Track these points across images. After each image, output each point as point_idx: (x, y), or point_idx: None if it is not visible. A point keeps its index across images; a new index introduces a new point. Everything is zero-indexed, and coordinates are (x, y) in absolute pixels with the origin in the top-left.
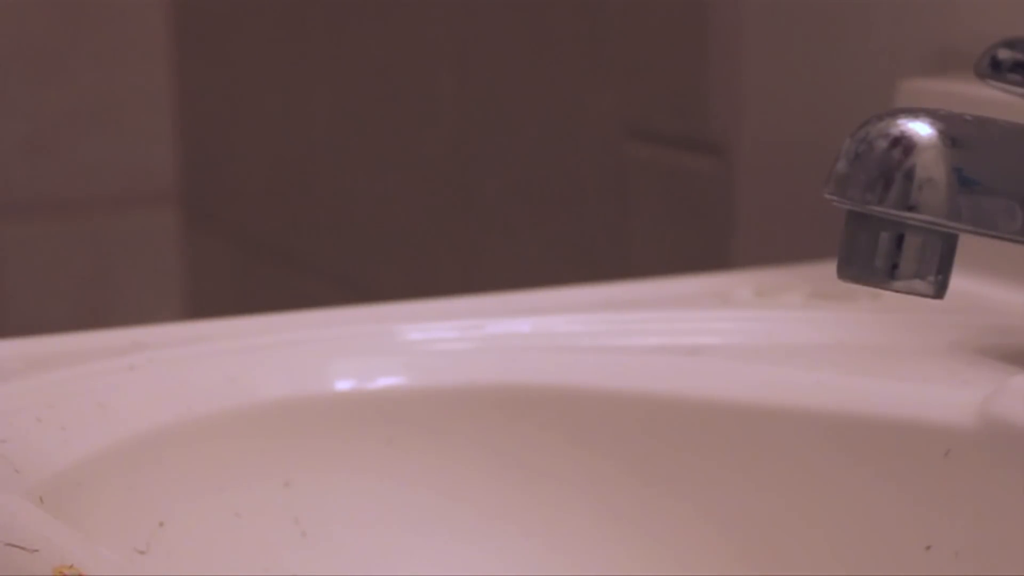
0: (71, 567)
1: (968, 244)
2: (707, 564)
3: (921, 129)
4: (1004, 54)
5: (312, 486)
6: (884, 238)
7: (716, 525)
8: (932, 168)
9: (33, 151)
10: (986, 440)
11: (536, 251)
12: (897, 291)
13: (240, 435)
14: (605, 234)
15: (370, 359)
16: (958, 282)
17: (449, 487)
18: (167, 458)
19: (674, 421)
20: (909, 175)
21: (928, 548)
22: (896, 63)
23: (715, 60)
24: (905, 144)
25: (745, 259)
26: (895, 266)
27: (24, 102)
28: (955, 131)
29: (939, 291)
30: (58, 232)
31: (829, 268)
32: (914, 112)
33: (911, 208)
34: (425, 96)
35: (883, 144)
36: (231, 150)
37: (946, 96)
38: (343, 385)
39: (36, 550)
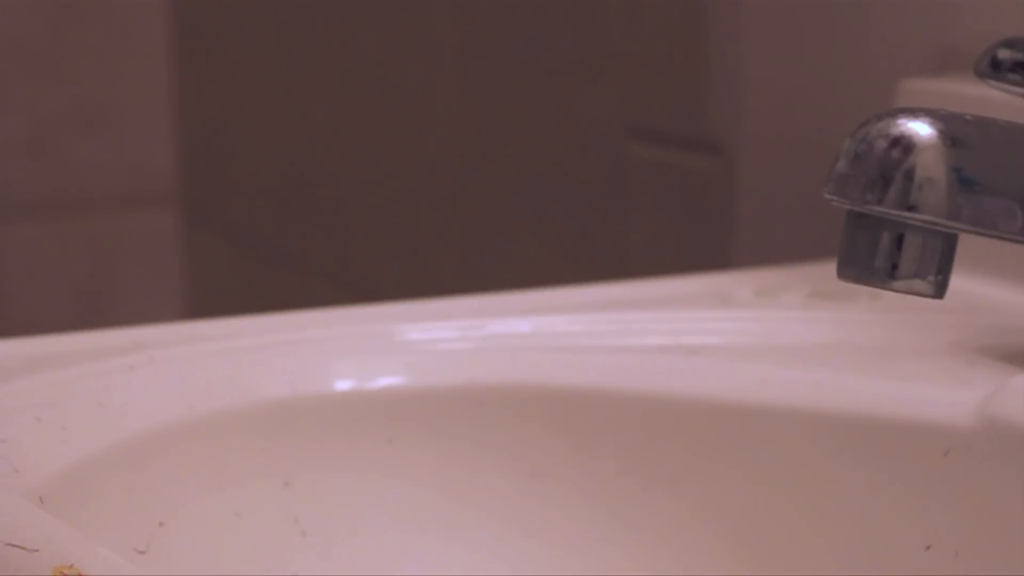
0: (71, 567)
1: (968, 244)
2: (707, 564)
3: (921, 129)
4: (1004, 54)
5: (312, 486)
6: (884, 238)
7: (716, 525)
8: (932, 168)
9: (33, 151)
10: (986, 440)
11: (536, 251)
12: (897, 291)
13: (240, 435)
14: (605, 234)
15: (370, 359)
16: (958, 282)
17: (449, 487)
18: (167, 458)
19: (674, 421)
20: (909, 175)
21: (928, 548)
22: (896, 63)
23: (715, 60)
24: (905, 144)
25: (745, 259)
26: (895, 266)
27: (24, 102)
28: (955, 131)
29: (939, 291)
30: (58, 232)
31: (829, 268)
32: (914, 112)
33: (911, 208)
34: (425, 96)
35: (883, 144)
36: (231, 150)
37: (946, 96)
38: (343, 385)
39: (36, 550)
